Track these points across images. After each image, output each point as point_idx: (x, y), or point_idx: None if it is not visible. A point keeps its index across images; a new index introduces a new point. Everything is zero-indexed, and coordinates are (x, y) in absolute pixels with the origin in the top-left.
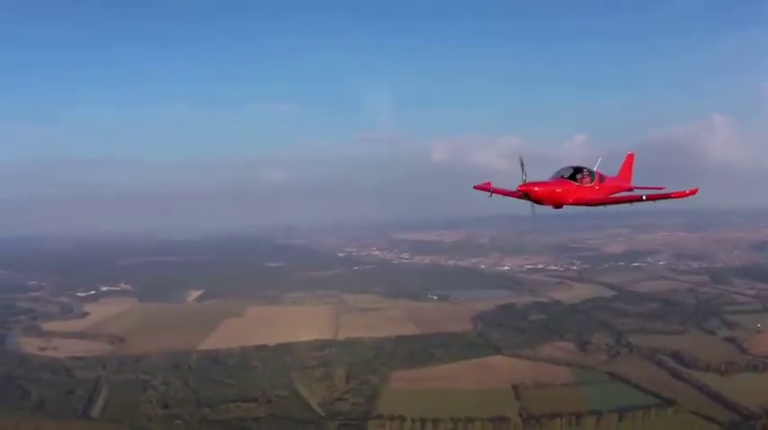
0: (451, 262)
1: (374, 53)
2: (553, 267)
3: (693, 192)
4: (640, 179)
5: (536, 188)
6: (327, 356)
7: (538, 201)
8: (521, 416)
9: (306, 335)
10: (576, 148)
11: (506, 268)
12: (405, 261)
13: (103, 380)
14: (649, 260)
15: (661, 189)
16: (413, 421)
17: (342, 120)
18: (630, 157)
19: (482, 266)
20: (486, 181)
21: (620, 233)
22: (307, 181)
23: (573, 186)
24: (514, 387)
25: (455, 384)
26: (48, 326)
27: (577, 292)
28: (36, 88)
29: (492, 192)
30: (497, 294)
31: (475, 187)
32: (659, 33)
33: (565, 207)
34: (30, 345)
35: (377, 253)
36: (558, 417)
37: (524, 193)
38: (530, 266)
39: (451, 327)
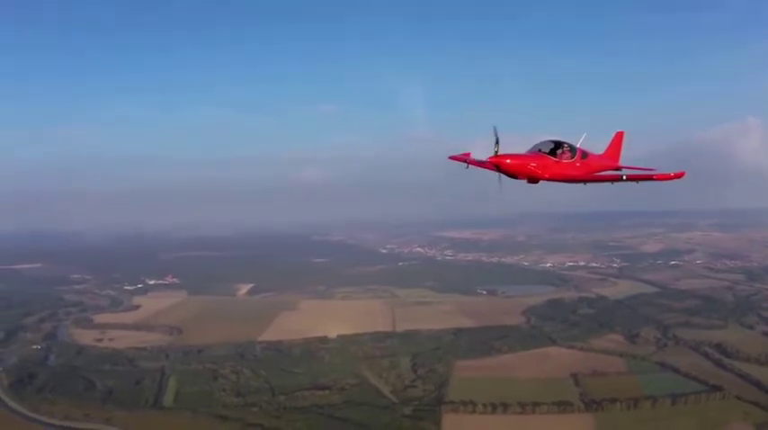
0: (494, 259)
1: (416, 55)
2: (594, 265)
3: (679, 176)
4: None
5: (508, 160)
6: (390, 347)
7: (510, 175)
8: (582, 401)
9: (364, 327)
10: None
11: (549, 265)
12: (448, 257)
13: (169, 369)
14: (686, 259)
15: (650, 170)
16: (483, 406)
17: (382, 120)
18: (620, 135)
19: (525, 263)
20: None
21: (656, 232)
22: (341, 179)
23: (550, 161)
24: (573, 375)
25: (517, 373)
26: (99, 318)
27: (621, 289)
28: (79, 88)
29: (468, 164)
30: (544, 290)
31: (450, 157)
32: (693, 34)
33: (541, 183)
34: (85, 337)
35: (419, 250)
36: (617, 402)
37: (496, 166)
38: (571, 263)
39: (505, 320)
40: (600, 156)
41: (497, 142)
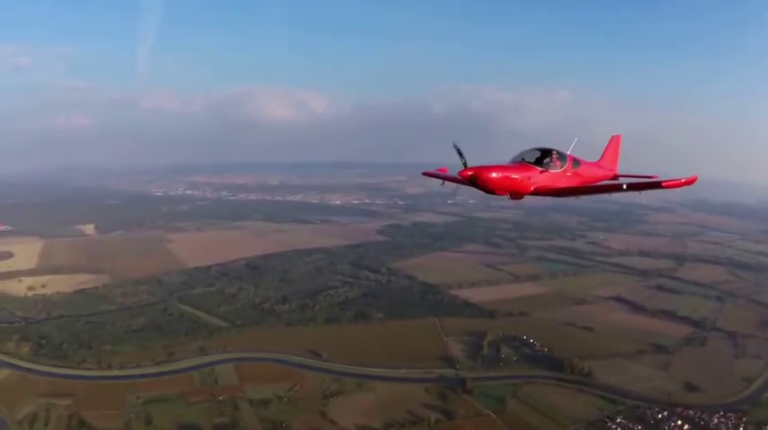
0: (278, 198)
1: None
2: (379, 202)
3: (690, 182)
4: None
5: (485, 174)
6: (324, 258)
7: (489, 191)
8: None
9: (267, 249)
10: None
11: (338, 202)
12: (231, 198)
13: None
14: (460, 198)
15: (652, 178)
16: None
17: None
18: (616, 139)
19: (314, 201)
20: (441, 167)
21: (401, 179)
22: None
23: (536, 172)
24: (486, 264)
25: (444, 265)
26: None
27: (433, 218)
28: None
29: (444, 180)
30: (368, 219)
31: (424, 173)
32: None
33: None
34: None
35: (190, 192)
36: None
37: (471, 181)
38: (357, 201)
39: (375, 238)
40: (594, 163)
41: (461, 155)
